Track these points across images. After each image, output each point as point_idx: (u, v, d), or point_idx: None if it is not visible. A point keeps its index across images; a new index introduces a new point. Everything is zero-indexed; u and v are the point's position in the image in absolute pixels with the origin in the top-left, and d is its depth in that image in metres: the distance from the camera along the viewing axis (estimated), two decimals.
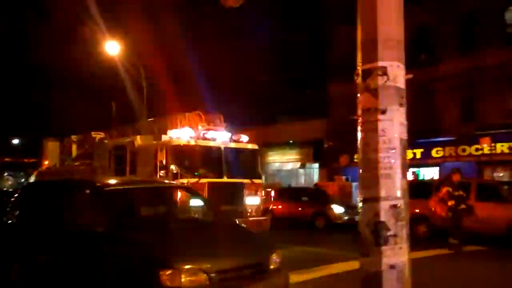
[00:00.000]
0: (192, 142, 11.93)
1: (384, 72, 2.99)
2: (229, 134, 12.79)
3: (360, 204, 3.00)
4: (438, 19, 23.11)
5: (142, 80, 23.09)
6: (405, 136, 3.03)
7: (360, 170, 3.05)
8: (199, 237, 5.81)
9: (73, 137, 17.55)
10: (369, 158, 3.01)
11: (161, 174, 11.51)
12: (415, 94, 22.61)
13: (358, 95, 3.03)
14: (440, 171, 24.15)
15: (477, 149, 22.71)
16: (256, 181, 13.01)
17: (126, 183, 7.29)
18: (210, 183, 11.51)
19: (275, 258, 5.77)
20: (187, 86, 27.14)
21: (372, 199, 2.96)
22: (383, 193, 2.92)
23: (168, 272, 4.78)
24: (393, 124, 2.97)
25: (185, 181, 10.92)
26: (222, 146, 12.37)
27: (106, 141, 15.31)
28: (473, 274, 9.18)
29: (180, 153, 11.72)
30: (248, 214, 12.37)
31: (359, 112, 3.08)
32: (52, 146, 18.27)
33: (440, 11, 23.01)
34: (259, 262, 5.61)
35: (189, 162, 11.86)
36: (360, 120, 3.05)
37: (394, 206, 2.92)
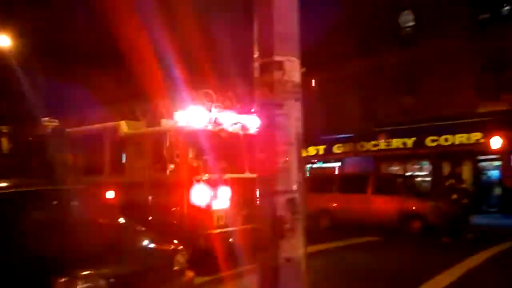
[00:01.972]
0: (210, 128, 9.37)
1: (280, 67, 3.00)
2: (248, 118, 10.07)
3: (259, 199, 3.01)
4: (339, 20, 24.16)
5: None
6: (301, 130, 3.07)
7: (258, 164, 3.05)
8: (97, 241, 5.52)
9: (3, 128, 14.96)
10: (266, 153, 3.01)
11: (170, 168, 8.98)
12: (319, 93, 23.73)
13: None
14: (341, 166, 25.32)
15: (374, 145, 24.11)
16: None
17: (15, 186, 6.75)
18: (234, 180, 9.22)
19: (178, 259, 5.67)
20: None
21: (269, 193, 2.96)
22: (280, 187, 2.94)
23: (63, 279, 4.49)
24: (289, 119, 2.99)
25: (206, 176, 8.77)
26: (241, 133, 9.95)
27: (67, 129, 12.21)
28: (367, 263, 9.68)
29: (194, 142, 9.11)
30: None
31: (256, 106, 3.08)
32: None
33: (341, 13, 24.07)
34: (163, 263, 5.48)
35: (203, 152, 9.15)
36: (257, 115, 3.04)
37: (291, 199, 2.95)
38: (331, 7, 24.13)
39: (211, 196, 8.74)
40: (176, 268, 5.60)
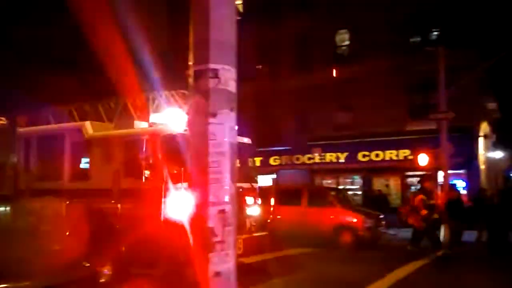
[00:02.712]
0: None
1: (216, 75, 2.94)
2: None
3: (190, 210, 2.91)
4: (277, 36, 24.58)
5: None
6: (235, 140, 3.01)
7: (190, 175, 2.96)
8: (16, 252, 5.20)
9: None
10: (199, 163, 2.92)
11: (146, 175, 8.17)
12: (257, 105, 23.93)
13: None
14: (276, 178, 25.57)
15: (309, 158, 24.57)
16: (254, 185, 10.29)
17: None
18: None
19: (103, 271, 5.44)
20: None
21: (200, 205, 2.87)
22: (211, 198, 2.86)
23: None
24: (224, 128, 2.93)
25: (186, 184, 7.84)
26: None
27: (20, 129, 10.93)
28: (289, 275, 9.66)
29: (173, 147, 8.20)
30: (249, 229, 9.58)
31: (189, 114, 3.00)
32: None
33: (279, 29, 24.49)
34: (87, 276, 5.23)
35: (181, 158, 8.19)
36: (189, 123, 2.96)
37: (222, 211, 2.87)
38: (271, 21, 24.53)
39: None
40: (102, 280, 5.38)
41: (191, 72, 2.99)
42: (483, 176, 22.51)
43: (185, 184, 7.74)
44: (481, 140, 22.80)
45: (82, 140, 9.50)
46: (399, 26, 22.64)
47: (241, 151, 9.52)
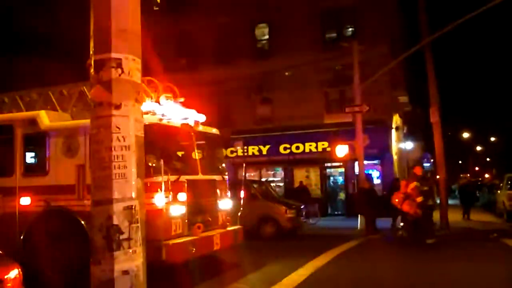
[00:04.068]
0: (165, 122, 8.11)
1: (119, 65, 2.81)
2: (196, 113, 9.00)
3: (92, 207, 2.75)
4: (198, 28, 24.31)
5: None
6: (141, 133, 2.90)
7: (92, 170, 2.80)
8: None
9: None
10: (101, 157, 2.78)
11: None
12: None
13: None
14: None
15: (232, 151, 24.60)
16: (225, 177, 9.75)
17: None
18: (189, 182, 8.12)
19: (13, 277, 5.08)
20: None
21: (104, 201, 2.74)
22: (116, 194, 2.73)
23: None
24: (129, 121, 2.81)
25: (164, 178, 7.42)
26: (193, 130, 8.86)
27: None
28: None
29: (149, 137, 7.46)
30: (222, 223, 9.17)
31: (91, 106, 2.84)
32: None
33: (199, 21, 24.24)
34: None
35: (158, 149, 7.81)
36: (92, 115, 2.80)
37: (129, 207, 2.76)
38: (191, 13, 24.23)
39: (169, 201, 7.63)
40: (9, 285, 5.01)
41: (91, 61, 2.80)
42: (395, 166, 23.73)
43: (165, 177, 7.43)
44: (393, 132, 24.01)
45: (37, 131, 8.60)
46: (316, 21, 23.25)
47: (210, 142, 9.49)
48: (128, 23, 2.91)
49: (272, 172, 24.95)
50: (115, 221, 2.73)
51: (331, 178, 24.41)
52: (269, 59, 23.57)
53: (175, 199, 7.73)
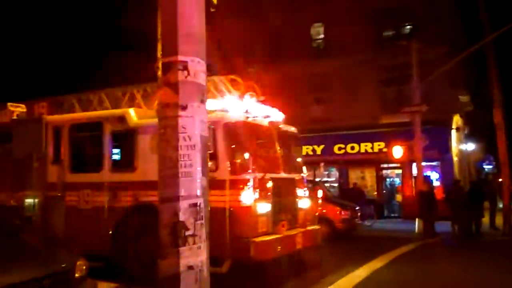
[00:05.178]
0: (250, 119, 8.17)
1: (185, 67, 2.91)
2: (277, 111, 9.07)
3: (159, 204, 2.87)
4: (253, 29, 24.50)
5: None
6: (205, 133, 3.00)
7: (160, 168, 2.92)
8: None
9: None
10: (168, 156, 2.89)
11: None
12: None
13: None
14: None
15: None
16: (303, 176, 9.70)
17: None
18: (273, 180, 8.11)
19: (80, 265, 5.37)
20: None
21: (171, 199, 2.85)
22: (182, 192, 2.83)
23: None
24: (194, 121, 2.91)
25: (252, 176, 7.57)
26: (275, 128, 8.89)
27: (45, 116, 9.86)
28: None
29: (237, 134, 7.82)
30: (303, 222, 9.06)
31: (159, 107, 2.96)
32: None
33: (254, 22, 24.42)
34: (62, 270, 5.17)
35: (245, 146, 7.95)
36: (159, 115, 2.92)
37: (194, 204, 2.85)
38: (247, 14, 24.46)
39: (256, 198, 7.64)
40: (77, 275, 5.30)
41: (159, 64, 2.93)
42: (456, 168, 22.94)
43: (252, 174, 7.58)
44: (453, 133, 23.22)
45: (126, 128, 8.71)
46: (373, 20, 22.85)
47: (289, 140, 9.47)
48: (193, 27, 3.01)
49: (327, 173, 24.75)
50: (181, 218, 2.83)
51: (388, 179, 23.91)
52: (324, 59, 23.40)
53: (261, 196, 7.74)
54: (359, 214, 16.11)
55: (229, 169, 7.60)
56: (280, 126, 9.07)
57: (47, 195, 9.08)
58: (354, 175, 23.40)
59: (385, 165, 22.79)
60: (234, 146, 7.82)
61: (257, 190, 7.61)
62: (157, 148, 3.00)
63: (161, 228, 2.88)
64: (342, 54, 22.30)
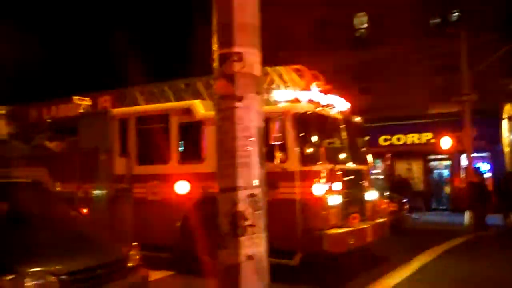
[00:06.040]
0: (319, 109, 8.06)
1: (240, 58, 2.92)
2: (343, 101, 8.93)
3: (218, 194, 2.91)
4: (296, 20, 24.32)
5: None
6: (261, 124, 3.00)
7: (218, 159, 2.95)
8: (47, 236, 5.30)
9: (0, 109, 12.03)
10: (226, 147, 2.92)
11: (279, 157, 7.38)
12: None
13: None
14: None
15: (329, 143, 24.33)
16: (369, 167, 9.65)
17: None
18: (344, 171, 8.04)
19: (133, 255, 5.51)
20: None
21: (230, 189, 2.87)
22: (240, 182, 2.85)
23: (9, 277, 4.28)
24: (250, 112, 2.92)
25: (322, 167, 7.49)
26: (341, 118, 8.77)
27: (110, 109, 10.07)
28: None
29: (304, 126, 7.74)
30: (371, 215, 8.95)
31: (215, 98, 2.98)
32: None
33: (297, 13, 24.24)
34: (116, 259, 5.31)
35: (312, 139, 7.86)
36: (216, 107, 2.95)
37: (252, 195, 2.87)
38: (290, 5, 24.32)
39: (327, 190, 7.51)
40: (130, 264, 5.44)
41: (215, 56, 2.94)
42: (507, 159, 22.09)
43: (323, 165, 7.49)
44: (505, 122, 22.35)
45: (193, 120, 8.75)
46: (419, 8, 22.21)
47: (355, 131, 9.31)
48: (249, 17, 3.01)
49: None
50: (240, 208, 2.85)
51: (435, 171, 23.30)
52: (368, 48, 22.96)
53: (332, 188, 7.63)
54: (406, 206, 15.82)
55: (300, 160, 7.50)
56: (348, 116, 8.94)
57: (115, 187, 9.27)
58: (400, 167, 22.93)
59: (433, 157, 22.22)
60: (303, 136, 7.71)
61: (328, 181, 7.49)
62: (216, 139, 3.02)
63: (220, 218, 2.91)
64: (387, 43, 21.82)
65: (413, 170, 23.07)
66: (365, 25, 24.42)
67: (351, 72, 23.42)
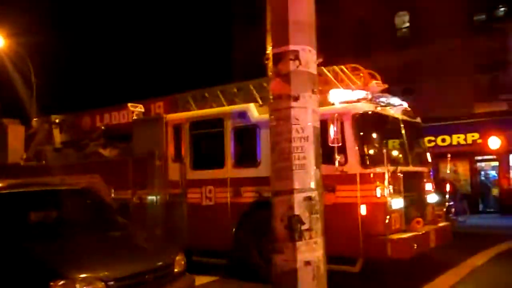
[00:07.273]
0: (379, 110, 7.76)
1: (296, 57, 2.82)
2: (401, 100, 8.65)
3: (273, 197, 2.80)
4: (337, 20, 24.04)
5: None
6: (318, 124, 2.89)
7: (273, 161, 2.85)
8: (96, 243, 5.36)
9: (55, 117, 12.19)
10: (281, 148, 2.82)
11: (339, 159, 7.10)
12: None
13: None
14: None
15: None
16: (430, 169, 9.27)
17: (14, 186, 6.52)
18: (405, 174, 7.69)
19: (179, 260, 5.50)
20: None
21: (285, 192, 2.77)
22: (296, 184, 2.75)
23: (61, 282, 4.34)
24: (307, 112, 2.82)
25: (385, 169, 7.17)
26: (401, 118, 8.42)
27: (164, 115, 9.95)
28: None
29: (364, 127, 7.48)
30: (433, 219, 8.68)
31: (270, 99, 2.88)
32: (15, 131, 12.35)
33: (338, 14, 23.96)
34: (163, 265, 5.32)
35: (371, 140, 7.69)
36: (271, 108, 2.85)
37: (308, 198, 2.76)
38: (330, 6, 24.07)
39: (389, 193, 7.24)
40: (176, 269, 5.43)
41: (270, 55, 2.84)
42: None
43: (385, 167, 7.15)
44: None
45: (247, 123, 8.56)
46: (462, 3, 21.54)
47: (415, 131, 8.96)
48: (304, 15, 2.92)
49: None
50: (296, 211, 2.75)
51: (482, 172, 22.50)
52: (410, 48, 22.42)
53: (394, 191, 7.34)
54: (452, 209, 15.32)
55: (360, 162, 7.22)
56: (409, 117, 8.62)
57: (169, 192, 9.26)
58: (445, 169, 22.28)
59: (480, 157, 21.46)
60: (364, 138, 7.44)
61: (390, 184, 7.18)
62: (270, 141, 2.92)
63: (275, 222, 2.82)
64: (430, 42, 21.20)
65: (459, 171, 22.35)
66: (407, 24, 23.87)
67: (393, 72, 22.92)
